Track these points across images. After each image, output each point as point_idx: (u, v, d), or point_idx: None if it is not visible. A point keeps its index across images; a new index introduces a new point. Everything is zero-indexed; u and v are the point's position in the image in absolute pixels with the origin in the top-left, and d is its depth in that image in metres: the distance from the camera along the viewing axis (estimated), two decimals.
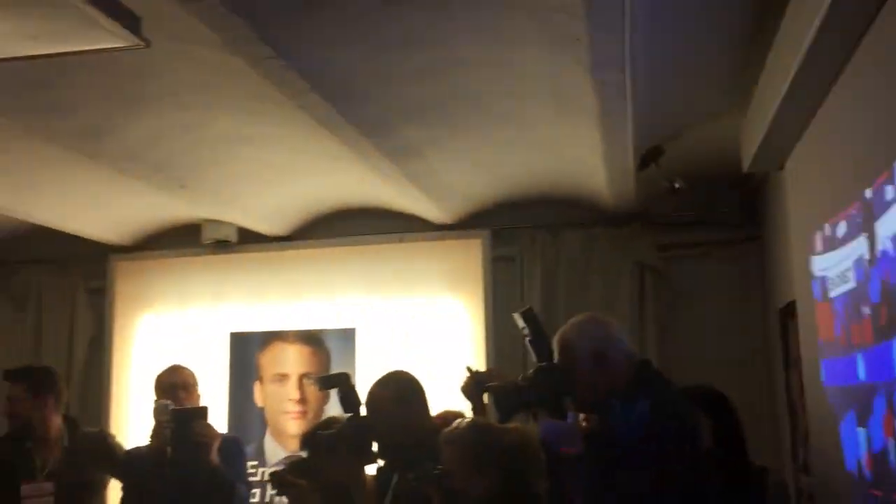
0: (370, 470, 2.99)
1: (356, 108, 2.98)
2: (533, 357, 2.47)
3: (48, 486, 3.66)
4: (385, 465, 2.95)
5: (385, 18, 2.36)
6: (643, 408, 2.30)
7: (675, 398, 2.45)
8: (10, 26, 1.85)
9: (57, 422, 3.78)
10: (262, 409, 4.92)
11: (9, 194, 4.08)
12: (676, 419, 2.33)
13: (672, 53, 2.83)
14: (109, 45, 1.95)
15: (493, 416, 2.53)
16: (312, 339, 4.94)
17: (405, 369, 3.06)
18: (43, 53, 2.00)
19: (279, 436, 4.88)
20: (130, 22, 1.87)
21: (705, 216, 4.52)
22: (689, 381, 2.88)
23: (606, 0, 2.04)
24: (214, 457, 3.51)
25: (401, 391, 2.93)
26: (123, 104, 2.98)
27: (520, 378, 2.49)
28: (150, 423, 3.64)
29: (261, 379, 4.96)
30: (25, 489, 3.62)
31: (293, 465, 3.23)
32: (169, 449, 3.49)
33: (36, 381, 3.75)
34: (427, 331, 4.81)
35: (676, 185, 3.75)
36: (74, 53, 2.01)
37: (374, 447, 2.91)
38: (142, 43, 1.93)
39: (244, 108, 3.18)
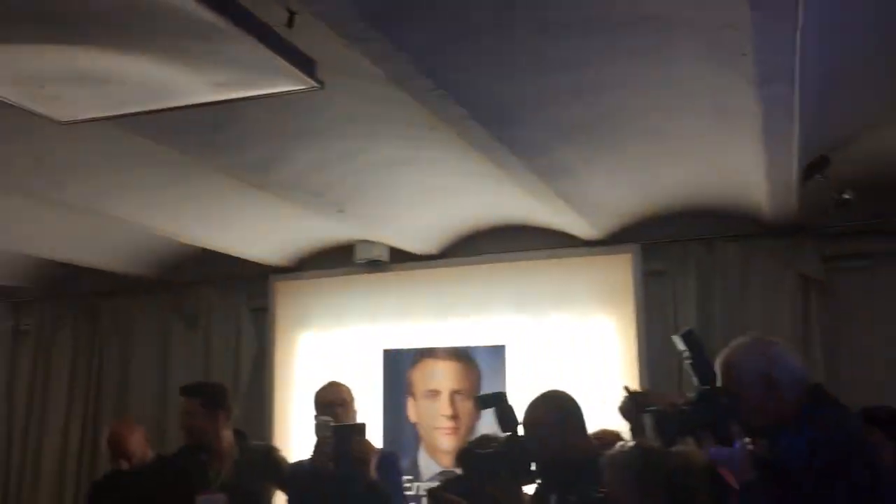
0: (527, 489, 3.00)
1: (512, 131, 3.02)
2: (691, 379, 2.41)
3: (221, 496, 3.86)
4: (543, 485, 2.95)
5: (543, 43, 2.38)
6: (817, 432, 2.21)
7: (850, 421, 2.34)
8: (201, 76, 2.00)
9: (228, 435, 3.99)
10: (415, 425, 5.03)
11: (184, 221, 4.38)
12: (854, 443, 2.22)
13: (841, 62, 2.70)
14: (288, 89, 2.07)
15: (652, 439, 2.49)
16: (462, 356, 5.00)
17: (560, 388, 3.05)
18: (227, 99, 2.15)
19: (433, 451, 4.96)
20: (307, 66, 1.99)
21: (874, 225, 4.26)
22: (858, 402, 2.73)
23: (779, 15, 1.98)
24: (373, 472, 3.60)
25: (560, 410, 2.92)
26: (290, 138, 3.15)
27: (681, 401, 2.44)
28: (312, 438, 3.80)
29: (413, 395, 5.07)
30: (201, 499, 3.83)
31: (450, 483, 3.27)
32: (330, 464, 3.63)
33: (209, 397, 3.98)
34: (577, 348, 4.77)
35: (845, 196, 3.56)
36: (255, 98, 2.15)
37: (532, 467, 2.91)
38: (317, 84, 2.04)
39: (401, 134, 3.28)
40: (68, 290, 5.84)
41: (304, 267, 5.42)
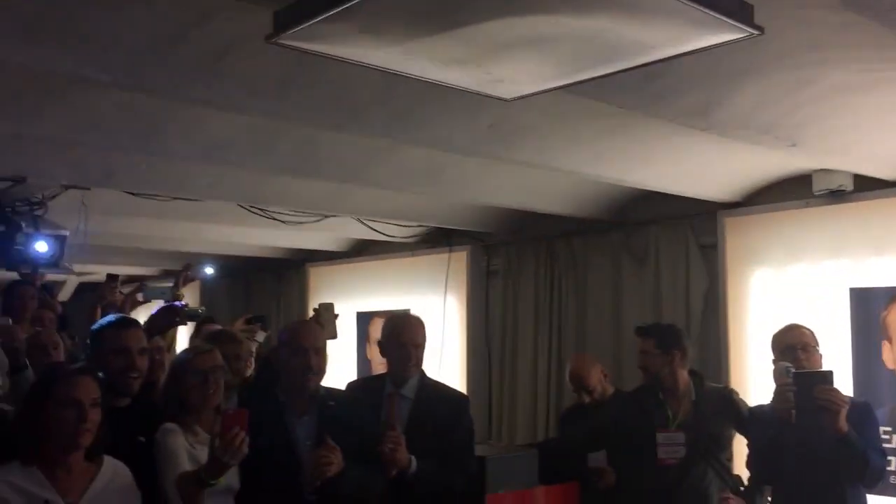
0: None
1: None
2: None
3: (679, 435, 3.94)
4: None
5: None
6: None
7: None
8: (636, 38, 1.97)
9: (684, 376, 4.03)
10: (893, 372, 4.51)
11: (627, 167, 4.45)
12: None
13: None
14: (723, 40, 1.94)
15: None
16: None
17: None
18: (660, 59, 2.10)
19: None
20: (743, 13, 1.84)
21: None
22: None
23: None
24: (843, 423, 3.36)
25: None
26: (728, 78, 2.99)
27: None
28: (771, 383, 3.65)
29: (889, 339, 4.53)
30: (660, 436, 3.95)
31: None
32: (793, 412, 3.46)
33: (664, 337, 4.06)
34: None
35: None
36: (691, 53, 2.07)
37: None
38: (756, 31, 1.89)
39: (857, 57, 2.91)
40: (529, 233, 6.34)
41: (755, 201, 5.15)
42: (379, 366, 5.62)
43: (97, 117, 3.47)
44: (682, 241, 5.48)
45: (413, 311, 6.59)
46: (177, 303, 3.98)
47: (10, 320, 4.01)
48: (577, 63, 2.16)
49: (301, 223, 6.21)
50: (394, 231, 6.78)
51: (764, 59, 2.85)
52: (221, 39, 2.62)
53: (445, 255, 6.80)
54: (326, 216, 6.15)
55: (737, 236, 5.19)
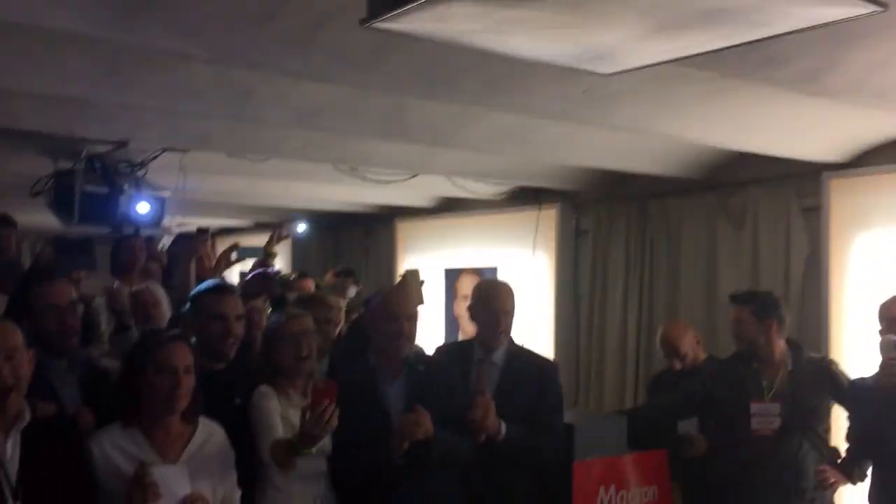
0: None
1: None
2: None
3: (774, 406, 3.85)
4: None
5: None
6: None
7: None
8: (748, 13, 1.85)
9: (781, 344, 3.92)
10: None
11: (725, 131, 4.29)
12: None
13: None
14: (845, 16, 1.81)
15: None
16: None
17: None
18: (775, 35, 1.98)
19: None
20: None
21: None
22: None
23: None
24: None
25: None
26: (841, 43, 2.82)
27: None
28: (874, 353, 3.52)
29: None
30: (754, 407, 3.86)
31: None
32: None
33: (760, 305, 3.93)
34: None
35: None
36: (810, 29, 1.94)
37: None
38: (879, 8, 1.75)
39: None
40: (620, 192, 6.20)
41: (864, 162, 4.87)
42: (466, 323, 5.64)
43: (195, 87, 3.56)
44: (782, 204, 5.25)
45: (501, 269, 6.66)
46: (269, 269, 4.07)
47: (117, 282, 4.18)
48: (685, 37, 2.05)
49: (390, 182, 6.25)
50: (482, 189, 6.74)
51: (880, 24, 2.67)
52: (314, 13, 2.62)
53: (534, 213, 6.72)
54: (415, 175, 6.17)
55: (842, 198, 4.94)
